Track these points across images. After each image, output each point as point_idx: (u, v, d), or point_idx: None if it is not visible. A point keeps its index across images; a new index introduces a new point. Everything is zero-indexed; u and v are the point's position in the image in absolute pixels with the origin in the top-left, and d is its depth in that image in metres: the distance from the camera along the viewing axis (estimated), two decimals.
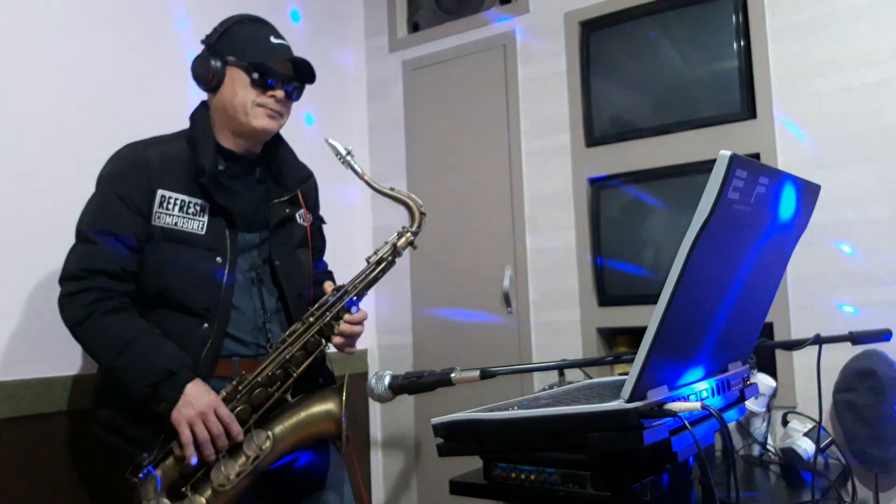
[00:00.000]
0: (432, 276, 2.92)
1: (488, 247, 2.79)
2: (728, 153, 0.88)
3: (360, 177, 1.65)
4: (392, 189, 1.67)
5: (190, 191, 1.62)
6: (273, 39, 1.67)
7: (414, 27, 3.10)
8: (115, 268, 1.55)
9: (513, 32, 2.78)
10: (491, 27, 2.85)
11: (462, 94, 2.90)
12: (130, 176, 1.60)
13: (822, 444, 2.00)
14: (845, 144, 2.16)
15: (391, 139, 3.06)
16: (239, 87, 1.63)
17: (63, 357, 1.93)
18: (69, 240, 1.59)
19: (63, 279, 1.57)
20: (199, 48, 1.69)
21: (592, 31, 2.62)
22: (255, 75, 1.63)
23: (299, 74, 1.71)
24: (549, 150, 2.68)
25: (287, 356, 1.58)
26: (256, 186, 1.74)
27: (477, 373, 1.30)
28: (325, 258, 1.98)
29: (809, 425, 2.04)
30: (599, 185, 2.58)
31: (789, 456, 1.99)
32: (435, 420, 1.15)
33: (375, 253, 1.67)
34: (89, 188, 1.65)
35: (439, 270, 2.90)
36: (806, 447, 1.97)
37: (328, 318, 1.61)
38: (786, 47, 2.26)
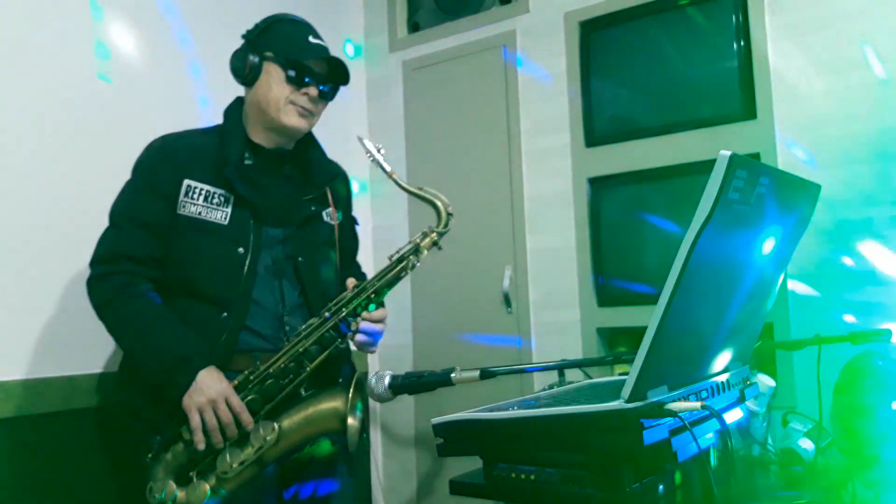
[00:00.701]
0: (432, 277, 2.91)
1: (488, 247, 2.79)
2: (728, 153, 0.88)
3: (389, 175, 1.67)
4: (421, 189, 1.68)
5: (215, 181, 1.66)
6: (311, 39, 1.70)
7: (414, 27, 3.10)
8: (141, 253, 1.61)
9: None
10: (491, 27, 2.84)
11: (462, 94, 2.90)
12: (159, 165, 1.65)
13: (822, 444, 2.00)
14: (845, 144, 2.15)
15: (391, 139, 3.06)
16: (274, 83, 1.66)
17: (63, 357, 1.93)
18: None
19: (92, 262, 1.63)
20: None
21: (592, 31, 2.62)
22: (291, 72, 1.66)
23: (335, 76, 1.73)
24: (549, 150, 2.68)
25: (300, 349, 1.58)
26: (285, 182, 1.76)
27: (477, 373, 1.30)
28: None
29: (809, 425, 2.04)
30: (599, 185, 2.58)
31: (789, 456, 1.98)
32: (435, 420, 1.15)
33: (398, 252, 1.66)
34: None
35: (439, 270, 2.90)
36: (806, 447, 1.96)
37: (343, 314, 1.61)
38: (786, 47, 2.26)
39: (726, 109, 2.34)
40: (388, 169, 1.66)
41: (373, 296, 1.64)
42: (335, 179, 1.83)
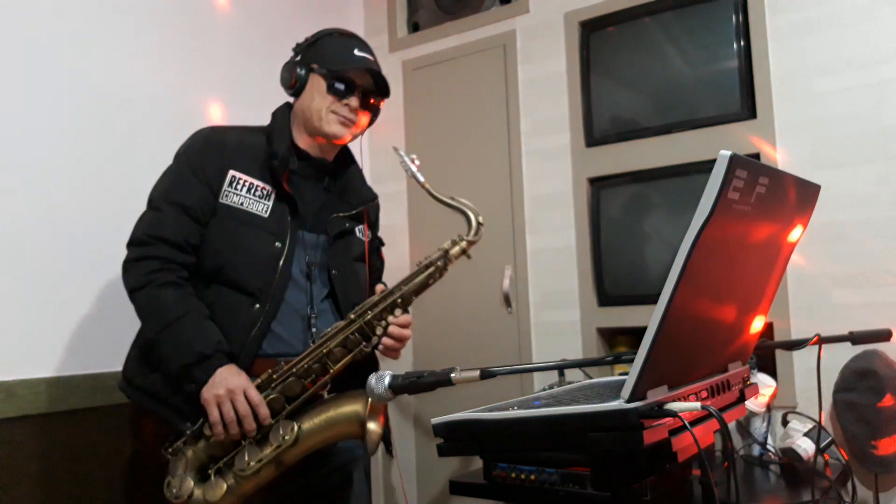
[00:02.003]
0: None
1: (488, 247, 2.79)
2: (728, 153, 0.88)
3: (422, 185, 1.69)
4: (452, 198, 1.69)
5: (260, 175, 1.70)
6: (357, 52, 1.75)
7: (414, 27, 3.10)
8: (178, 238, 1.62)
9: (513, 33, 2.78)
10: (491, 27, 2.84)
11: (462, 94, 2.90)
12: (206, 153, 1.69)
13: (822, 444, 2.00)
14: (845, 144, 2.15)
15: (391, 139, 3.06)
16: (316, 93, 1.71)
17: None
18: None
19: (129, 244, 1.64)
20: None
21: (592, 31, 2.62)
22: (333, 83, 1.71)
23: (376, 87, 1.78)
24: (549, 150, 2.68)
25: (324, 350, 1.58)
26: (322, 193, 1.80)
27: (477, 373, 1.30)
28: None
29: (809, 425, 2.04)
30: (599, 185, 2.58)
31: (789, 456, 1.99)
32: (435, 420, 1.15)
33: (427, 258, 1.68)
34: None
35: None
36: (806, 447, 1.97)
37: (369, 317, 1.61)
38: (786, 47, 2.26)
39: (726, 109, 2.34)
40: (422, 179, 1.69)
41: (399, 301, 1.64)
42: (370, 203, 1.87)
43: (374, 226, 1.95)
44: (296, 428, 1.54)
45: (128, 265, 1.63)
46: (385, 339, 1.63)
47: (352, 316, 1.62)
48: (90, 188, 2.02)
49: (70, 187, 1.98)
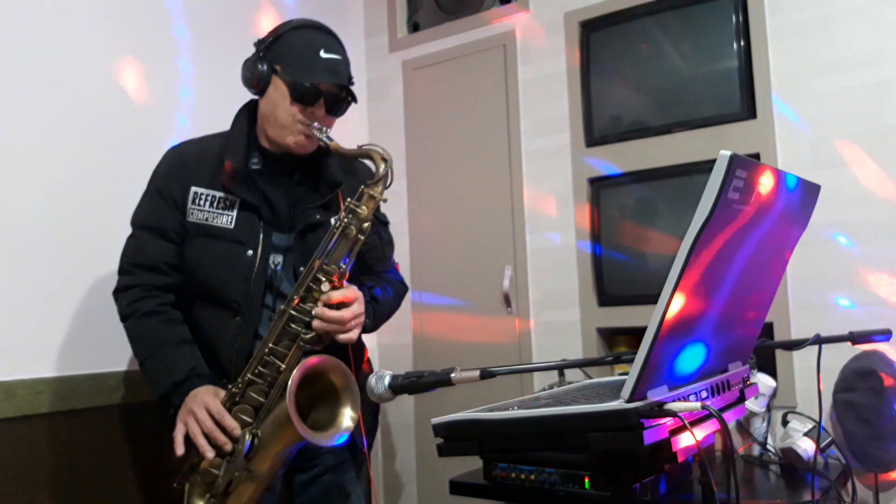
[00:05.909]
0: (432, 276, 2.92)
1: (488, 247, 2.79)
2: (728, 153, 0.88)
3: (329, 146, 1.60)
4: (359, 146, 1.59)
5: (219, 186, 1.66)
6: (323, 54, 1.62)
7: (414, 27, 3.10)
8: (156, 261, 1.64)
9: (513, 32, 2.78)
10: (491, 27, 2.85)
11: (462, 94, 2.90)
12: (169, 174, 1.68)
13: (822, 444, 2.00)
14: (845, 144, 2.16)
15: (391, 139, 3.06)
16: (280, 100, 1.61)
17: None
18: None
19: (118, 273, 1.70)
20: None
21: (592, 31, 2.62)
22: (297, 91, 1.60)
23: (342, 95, 1.66)
24: (549, 150, 2.68)
25: (266, 350, 1.53)
26: (295, 188, 1.72)
27: (477, 373, 1.30)
28: None
29: (809, 425, 2.04)
30: (599, 185, 2.58)
31: (789, 456, 1.99)
32: (435, 420, 1.15)
33: (336, 219, 1.57)
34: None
35: (439, 270, 2.90)
36: (806, 447, 1.97)
37: (295, 302, 1.54)
38: (786, 47, 2.26)
39: (726, 109, 2.34)
40: (325, 139, 1.60)
41: (323, 276, 1.53)
42: (339, 189, 1.73)
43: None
44: (248, 434, 1.49)
45: (115, 294, 1.69)
46: (315, 324, 1.52)
47: (282, 307, 1.55)
48: (91, 188, 2.02)
49: (70, 187, 1.98)
